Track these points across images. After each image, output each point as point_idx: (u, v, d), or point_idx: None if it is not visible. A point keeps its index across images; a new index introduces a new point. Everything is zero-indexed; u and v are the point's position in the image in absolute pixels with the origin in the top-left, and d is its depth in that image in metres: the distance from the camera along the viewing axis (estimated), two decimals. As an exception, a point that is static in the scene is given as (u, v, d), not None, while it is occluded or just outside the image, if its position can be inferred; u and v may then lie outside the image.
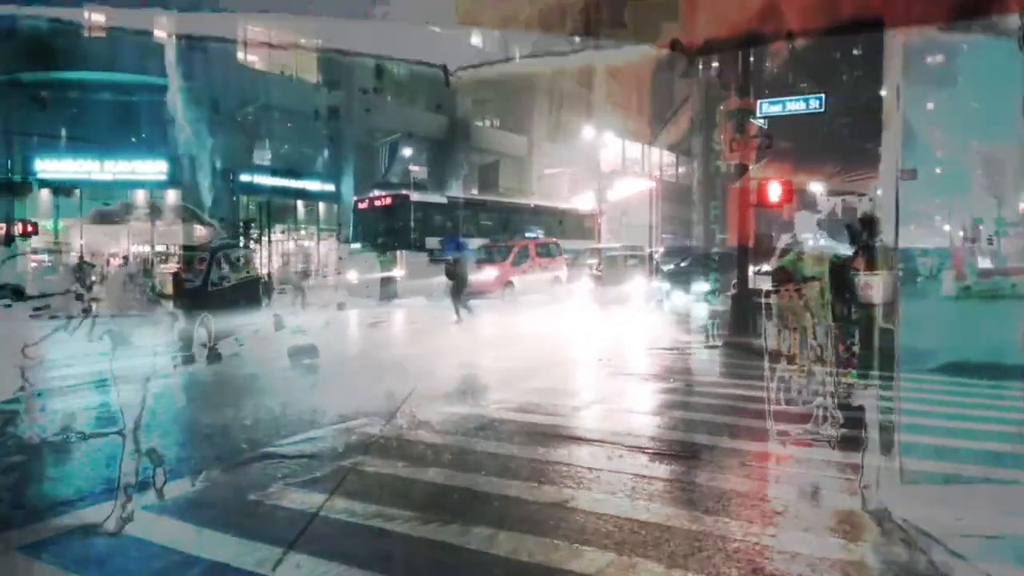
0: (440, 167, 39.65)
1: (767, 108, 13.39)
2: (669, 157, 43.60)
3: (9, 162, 28.05)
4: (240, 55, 31.41)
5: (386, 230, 27.27)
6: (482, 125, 43.22)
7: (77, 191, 28.60)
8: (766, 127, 13.98)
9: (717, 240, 33.76)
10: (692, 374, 11.20)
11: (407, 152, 38.65)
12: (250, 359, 11.78)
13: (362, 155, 35.38)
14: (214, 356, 11.09)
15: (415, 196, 28.52)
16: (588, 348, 13.92)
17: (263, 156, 32.87)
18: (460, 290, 17.33)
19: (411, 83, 38.21)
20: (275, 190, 31.99)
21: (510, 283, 23.66)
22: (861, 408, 6.43)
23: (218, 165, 29.51)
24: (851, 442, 6.13)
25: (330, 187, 35.08)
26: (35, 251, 27.96)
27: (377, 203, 28.25)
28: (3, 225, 27.03)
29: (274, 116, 31.92)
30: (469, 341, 15.37)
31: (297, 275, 24.61)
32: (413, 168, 38.63)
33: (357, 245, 27.65)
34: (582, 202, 38.28)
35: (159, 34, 29.95)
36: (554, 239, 27.99)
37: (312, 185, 34.57)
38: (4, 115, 27.75)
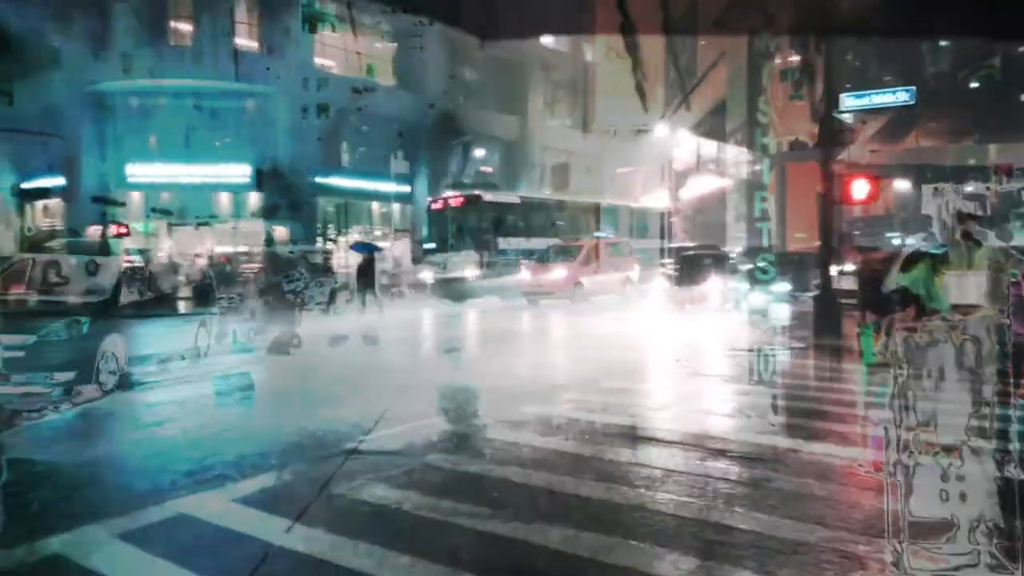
0: (512, 167, 39.78)
1: (849, 102, 12.84)
2: (746, 154, 42.51)
3: (104, 167, 29.50)
4: (318, 60, 32.21)
5: (459, 230, 27.43)
6: (554, 124, 43.13)
7: (167, 195, 29.92)
8: (852, 122, 13.44)
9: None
10: (773, 376, 10.89)
11: (479, 153, 38.92)
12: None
13: (435, 157, 35.81)
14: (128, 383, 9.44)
15: (488, 196, 28.61)
16: (664, 349, 13.70)
17: (341, 158, 33.65)
18: (371, 285, 19.50)
19: (483, 85, 38.46)
20: (351, 192, 32.68)
21: (580, 283, 23.44)
22: None
23: (296, 167, 30.31)
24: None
25: (405, 188, 35.62)
26: (127, 252, 29.30)
27: (451, 203, 28.45)
28: (99, 227, 28.39)
29: (351, 119, 32.60)
30: (540, 342, 15.33)
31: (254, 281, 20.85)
32: (484, 168, 38.87)
33: (431, 245, 27.93)
34: (655, 201, 37.76)
35: (241, 42, 31.00)
36: (625, 238, 27.64)
37: (387, 186, 35.17)
38: (98, 124, 29.21)
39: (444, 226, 27.90)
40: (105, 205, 28.01)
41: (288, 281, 21.67)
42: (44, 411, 8.16)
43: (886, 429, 3.91)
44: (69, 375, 8.71)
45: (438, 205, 28.97)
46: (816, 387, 9.75)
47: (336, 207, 32.22)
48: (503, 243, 27.64)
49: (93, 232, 28.52)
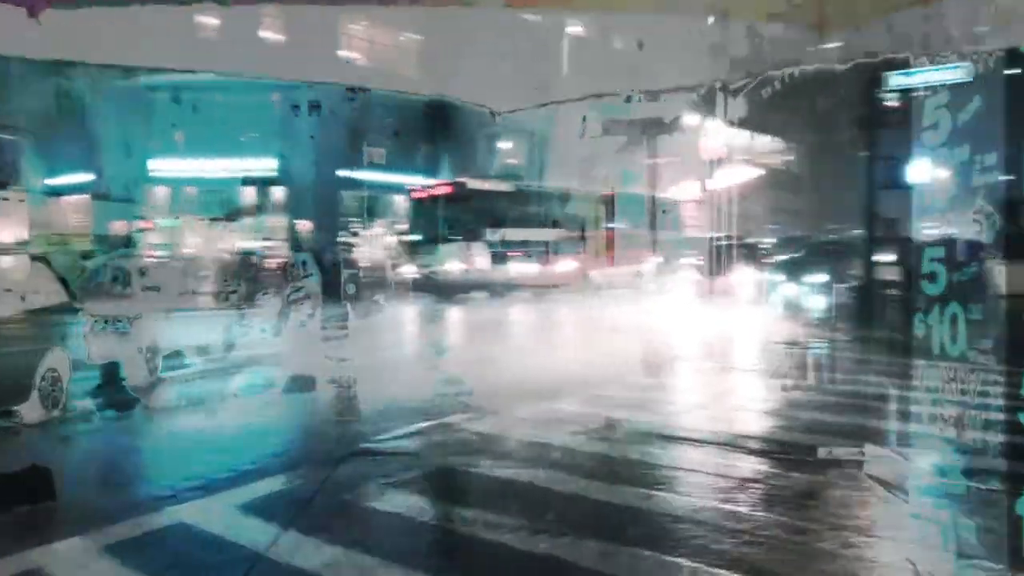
0: (540, 159, 39.25)
1: (898, 80, 12.02)
2: (777, 143, 41.56)
3: (127, 162, 29.48)
4: (342, 53, 31.86)
5: (446, 221, 25.57)
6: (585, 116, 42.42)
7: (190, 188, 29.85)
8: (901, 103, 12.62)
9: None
10: (814, 370, 10.26)
11: (506, 145, 38.36)
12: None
13: (465, 149, 35.35)
14: None
15: (475, 184, 26.96)
16: (693, 342, 13.07)
17: (368, 152, 33.31)
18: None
19: (512, 76, 37.85)
20: (374, 185, 32.32)
21: (587, 275, 22.27)
22: None
23: (320, 160, 30.11)
24: None
25: (429, 181, 35.24)
26: (153, 247, 29.25)
27: (435, 192, 26.88)
28: (124, 223, 28.39)
29: (375, 112, 32.23)
30: (556, 338, 14.72)
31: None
32: (511, 160, 38.32)
33: (417, 237, 26.13)
34: (683, 191, 36.96)
35: (266, 34, 30.76)
36: (640, 230, 26.59)
37: (410, 180, 34.76)
38: (123, 119, 29.18)
39: (429, 217, 26.41)
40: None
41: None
42: None
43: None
44: None
45: (421, 194, 27.25)
46: (861, 382, 9.13)
47: (360, 200, 31.93)
48: (495, 235, 26.04)
49: (119, 228, 28.55)
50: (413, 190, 27.77)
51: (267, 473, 5.56)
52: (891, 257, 14.85)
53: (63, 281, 9.33)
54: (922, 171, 12.49)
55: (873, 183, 13.12)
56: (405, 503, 4.90)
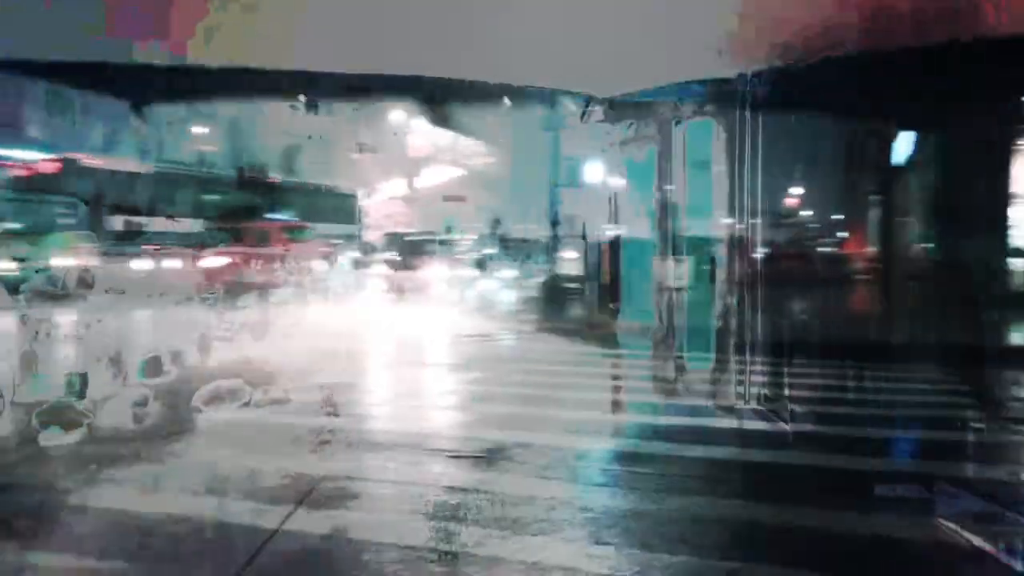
0: (239, 147, 36.88)
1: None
2: (480, 145, 43.31)
3: None
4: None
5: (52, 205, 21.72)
6: (287, 106, 40.62)
7: None
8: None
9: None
10: (503, 362, 10.44)
11: (201, 130, 35.44)
12: None
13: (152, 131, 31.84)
14: None
15: (90, 162, 23.66)
16: (381, 339, 12.73)
17: (22, 123, 28.61)
18: None
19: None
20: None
21: (241, 272, 20.39)
22: None
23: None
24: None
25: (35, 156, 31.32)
26: None
27: (38, 169, 23.17)
28: None
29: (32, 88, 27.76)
30: (233, 335, 13.35)
31: None
32: (206, 147, 35.45)
33: (16, 225, 21.24)
34: (392, 188, 36.96)
35: None
36: (306, 223, 25.62)
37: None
38: None
39: (34, 201, 22.58)
40: None
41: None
42: None
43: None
44: None
45: (25, 172, 23.28)
46: (544, 372, 9.41)
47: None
48: (120, 224, 22.98)
49: None
50: (15, 165, 22.95)
51: None
52: (573, 254, 15.94)
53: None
54: (595, 173, 13.46)
55: (556, 184, 13.88)
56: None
